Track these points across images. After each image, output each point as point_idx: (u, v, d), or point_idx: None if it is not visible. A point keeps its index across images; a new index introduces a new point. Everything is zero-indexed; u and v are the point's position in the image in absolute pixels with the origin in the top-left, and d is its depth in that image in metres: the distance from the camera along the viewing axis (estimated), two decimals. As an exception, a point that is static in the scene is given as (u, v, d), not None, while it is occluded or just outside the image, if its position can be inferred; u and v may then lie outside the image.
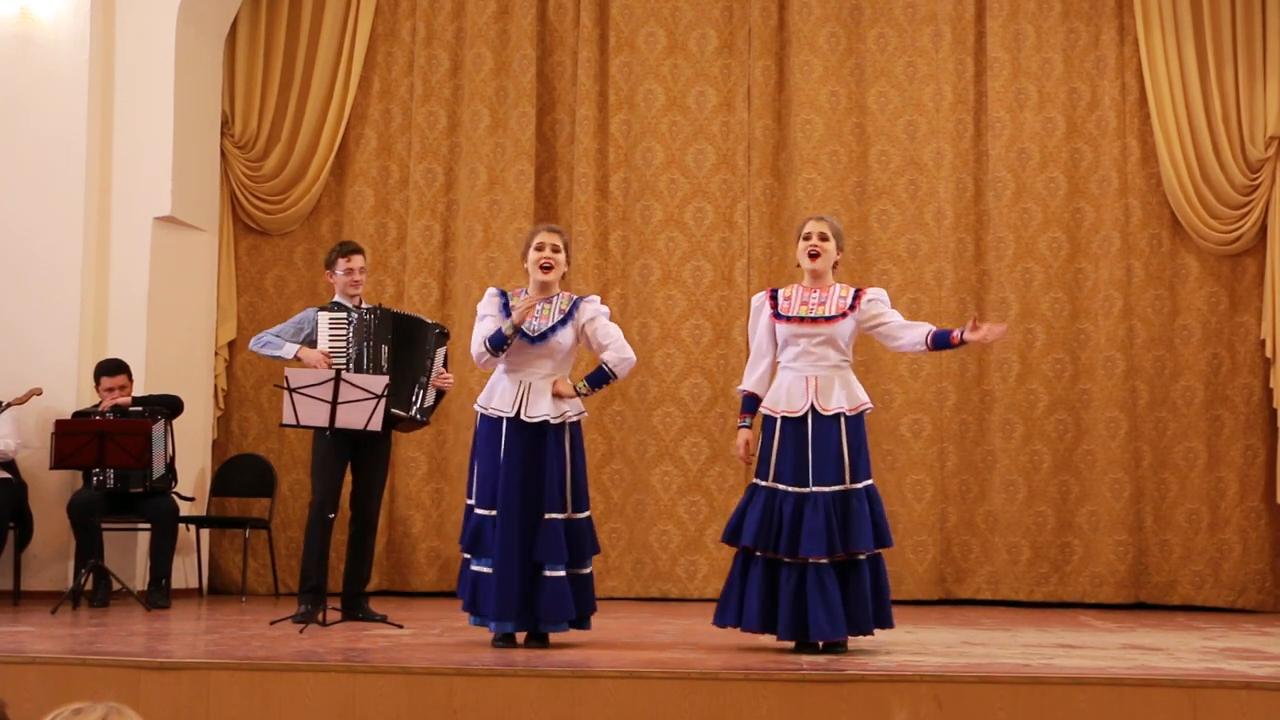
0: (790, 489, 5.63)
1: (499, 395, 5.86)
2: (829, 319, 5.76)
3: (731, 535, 5.76)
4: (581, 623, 5.84)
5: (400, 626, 6.60)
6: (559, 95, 9.55)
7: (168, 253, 8.88)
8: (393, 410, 6.73)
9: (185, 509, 8.49)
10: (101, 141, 8.76)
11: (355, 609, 6.97)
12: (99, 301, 8.69)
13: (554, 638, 5.83)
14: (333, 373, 6.41)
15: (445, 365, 7.09)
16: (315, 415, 6.37)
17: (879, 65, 9.36)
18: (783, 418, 5.72)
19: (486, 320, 5.89)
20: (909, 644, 5.96)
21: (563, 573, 5.71)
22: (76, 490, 8.10)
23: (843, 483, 5.63)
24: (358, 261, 7.11)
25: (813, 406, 5.68)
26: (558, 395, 5.81)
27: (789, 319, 5.79)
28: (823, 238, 5.85)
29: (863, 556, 5.63)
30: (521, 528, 5.71)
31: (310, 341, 6.99)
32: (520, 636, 5.81)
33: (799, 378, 5.75)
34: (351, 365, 6.83)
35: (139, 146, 8.78)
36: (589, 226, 9.33)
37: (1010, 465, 9.07)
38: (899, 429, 9.10)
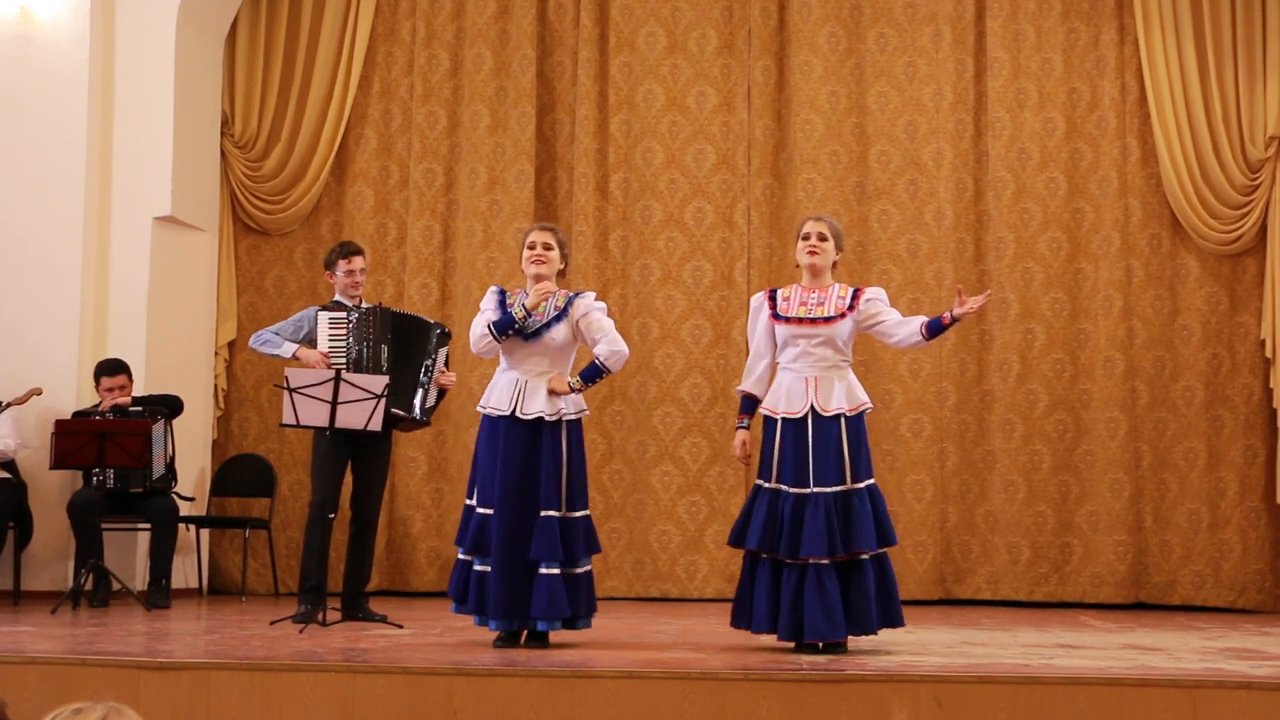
0: (792, 490, 5.64)
1: (497, 394, 5.88)
2: (828, 320, 5.75)
3: (736, 538, 5.76)
4: (576, 622, 5.83)
5: (400, 626, 6.60)
6: (559, 95, 9.55)
7: (168, 253, 8.88)
8: (393, 410, 6.73)
9: (185, 509, 8.49)
10: (101, 141, 8.76)
11: (355, 609, 6.97)
12: (99, 301, 8.69)
13: (554, 637, 5.83)
14: (332, 373, 6.41)
15: (447, 365, 7.09)
16: (315, 415, 6.37)
17: (879, 65, 9.36)
18: (783, 419, 5.72)
19: (486, 314, 5.91)
20: (909, 644, 5.96)
21: (557, 570, 5.71)
22: (76, 490, 8.10)
23: (844, 483, 5.63)
24: (358, 263, 7.11)
25: (812, 407, 5.68)
26: (552, 392, 5.82)
27: (788, 320, 5.79)
28: (821, 238, 5.85)
29: (865, 556, 5.63)
30: (517, 526, 5.72)
31: (310, 340, 6.99)
32: (522, 635, 5.82)
33: (798, 378, 5.75)
34: (351, 365, 6.82)
35: (139, 146, 8.78)
36: (589, 226, 9.33)
37: (1010, 465, 9.07)
38: (899, 429, 9.10)
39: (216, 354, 9.30)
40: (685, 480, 9.17)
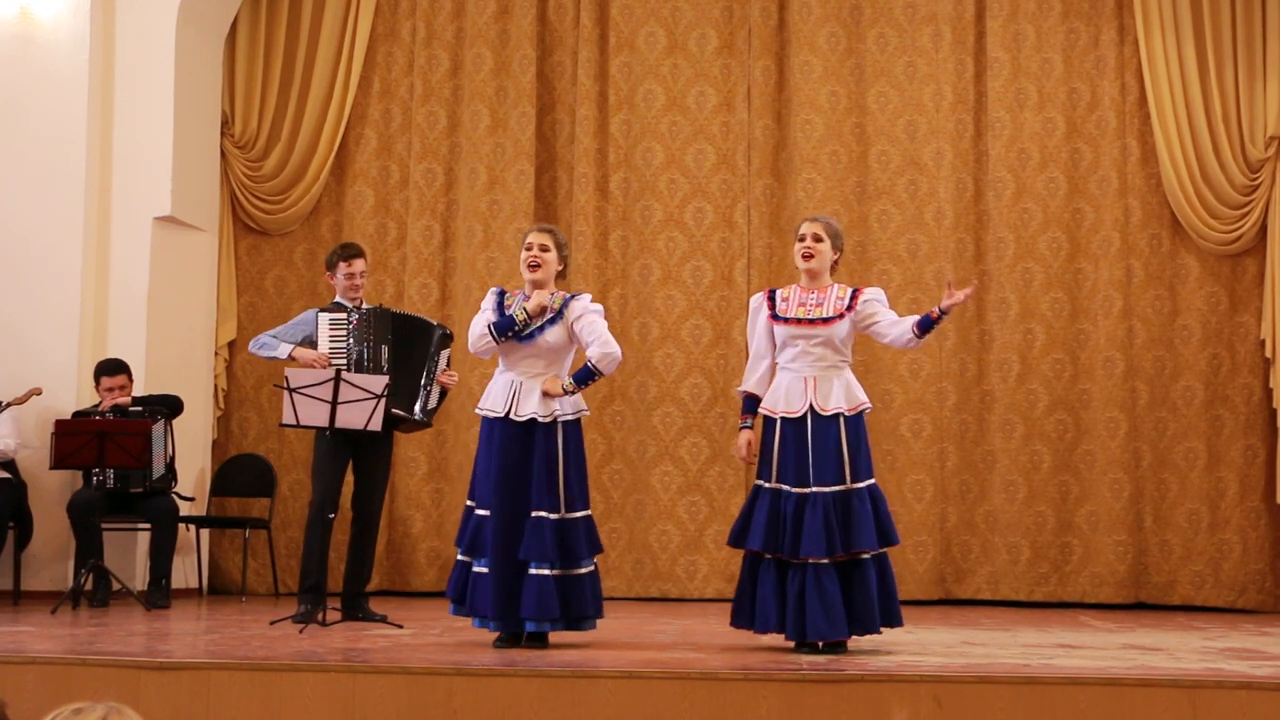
0: (793, 490, 5.64)
1: (493, 396, 5.91)
2: (826, 320, 5.76)
3: (737, 538, 5.76)
4: (575, 624, 5.83)
5: (400, 626, 6.60)
6: (559, 95, 9.55)
7: (168, 253, 8.88)
8: (394, 411, 6.73)
9: (185, 509, 8.49)
10: (101, 141, 8.76)
11: (355, 609, 6.97)
12: (99, 301, 8.69)
13: (554, 638, 5.84)
14: (333, 373, 6.41)
15: (448, 366, 7.09)
16: (315, 415, 6.37)
17: (879, 65, 9.36)
18: (782, 418, 5.72)
19: (486, 314, 5.93)
20: (909, 644, 5.96)
21: (548, 571, 5.71)
22: (76, 490, 8.10)
23: (843, 483, 5.63)
24: (358, 265, 7.11)
25: (812, 407, 5.69)
26: (546, 394, 5.83)
27: (786, 320, 5.79)
28: (816, 238, 5.84)
29: (866, 556, 5.63)
30: (510, 526, 5.73)
31: (310, 343, 6.99)
32: (522, 635, 5.82)
33: (797, 378, 5.75)
34: (352, 366, 6.82)
35: (139, 146, 8.78)
36: (589, 226, 9.33)
37: (1010, 465, 9.07)
38: (899, 429, 9.10)
39: (216, 354, 9.30)
40: (685, 480, 9.17)
